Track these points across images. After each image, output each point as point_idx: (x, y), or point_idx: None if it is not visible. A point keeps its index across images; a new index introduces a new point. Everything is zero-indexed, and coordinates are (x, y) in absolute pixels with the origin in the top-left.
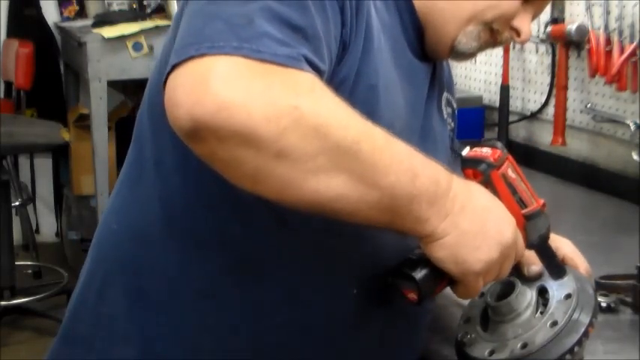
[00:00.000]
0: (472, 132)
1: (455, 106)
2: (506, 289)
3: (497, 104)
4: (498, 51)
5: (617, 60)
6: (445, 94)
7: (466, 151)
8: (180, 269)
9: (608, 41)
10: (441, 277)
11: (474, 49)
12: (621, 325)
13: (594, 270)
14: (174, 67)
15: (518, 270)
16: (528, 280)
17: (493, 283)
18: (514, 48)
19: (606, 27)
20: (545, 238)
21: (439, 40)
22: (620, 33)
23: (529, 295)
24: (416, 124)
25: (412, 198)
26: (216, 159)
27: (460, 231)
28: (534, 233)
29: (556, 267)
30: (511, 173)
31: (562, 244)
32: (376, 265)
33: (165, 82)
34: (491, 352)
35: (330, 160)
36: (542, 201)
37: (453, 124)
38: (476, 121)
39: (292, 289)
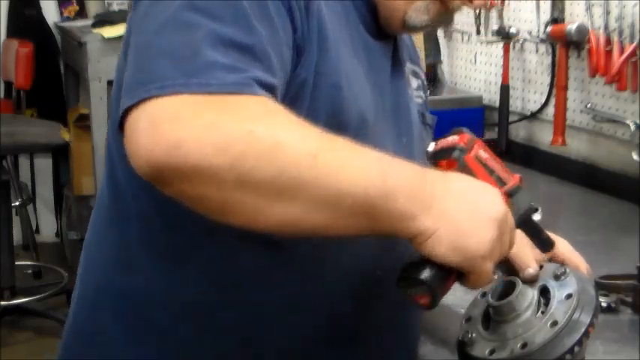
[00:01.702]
0: (472, 132)
1: (423, 76)
2: (507, 289)
3: (497, 104)
4: (498, 51)
5: (617, 60)
6: (409, 66)
7: (432, 146)
8: (166, 290)
9: (608, 41)
10: (447, 272)
11: (427, 22)
12: (621, 325)
13: (594, 270)
14: (128, 109)
15: (514, 274)
16: (525, 283)
17: (494, 283)
18: (514, 48)
19: (606, 27)
20: (529, 212)
21: (390, 16)
22: (620, 33)
23: (530, 294)
24: (386, 105)
25: (387, 197)
26: (184, 198)
27: (451, 220)
28: (519, 208)
29: (544, 240)
30: (483, 154)
31: (559, 244)
32: (369, 268)
33: (121, 122)
34: (492, 352)
35: (292, 178)
36: (518, 176)
37: (423, 96)
38: (476, 121)
39: (285, 301)
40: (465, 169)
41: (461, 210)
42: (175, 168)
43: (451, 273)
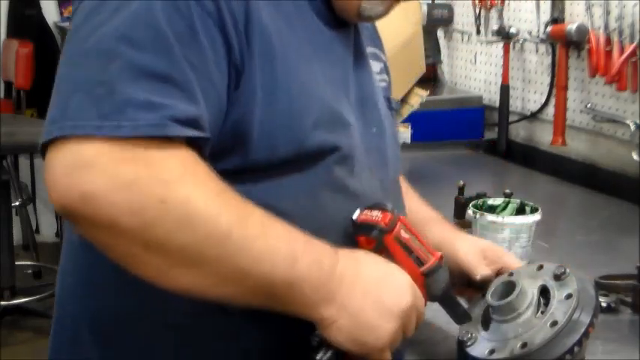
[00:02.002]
0: (472, 132)
1: (384, 58)
2: (507, 289)
3: (497, 104)
4: (498, 51)
5: (617, 60)
6: (371, 50)
7: (357, 215)
8: (140, 311)
9: (608, 41)
10: (344, 356)
11: (382, 12)
12: (621, 325)
13: (594, 270)
14: (46, 145)
15: (469, 281)
16: (482, 287)
17: (494, 283)
18: (514, 48)
19: (606, 27)
20: (447, 289)
21: (345, 8)
22: (620, 33)
23: (530, 294)
24: (351, 97)
25: (291, 284)
26: (93, 241)
27: (353, 312)
28: (436, 287)
29: (460, 315)
30: (404, 234)
31: (466, 252)
32: None
33: (42, 151)
34: (492, 352)
35: (200, 252)
36: (439, 254)
37: (387, 78)
38: (476, 121)
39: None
40: (383, 250)
41: (364, 304)
42: (85, 216)
43: (349, 356)
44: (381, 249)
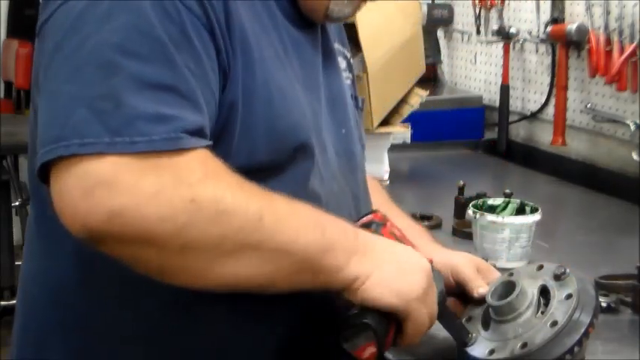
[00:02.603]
0: (472, 132)
1: (348, 54)
2: (507, 289)
3: (497, 104)
4: (498, 51)
5: (617, 60)
6: (336, 47)
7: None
8: (107, 323)
9: (608, 41)
10: (387, 321)
11: (350, 13)
12: (621, 325)
13: (594, 270)
14: (49, 163)
15: (466, 295)
16: (478, 304)
17: (494, 283)
18: (514, 48)
19: (606, 27)
20: (443, 296)
21: (312, 9)
22: (620, 33)
23: (530, 294)
24: (322, 99)
25: (325, 251)
26: (120, 257)
27: (382, 266)
28: (436, 285)
29: (459, 328)
30: (397, 232)
31: (462, 265)
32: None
33: (41, 169)
34: (492, 352)
35: (236, 242)
36: (429, 258)
37: (351, 75)
38: (476, 121)
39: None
40: None
41: (390, 261)
42: (114, 234)
43: (390, 321)
44: None
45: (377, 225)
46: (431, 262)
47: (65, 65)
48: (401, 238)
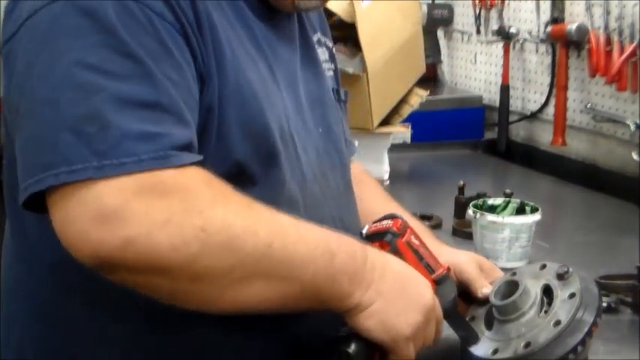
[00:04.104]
0: (472, 132)
1: (330, 44)
2: (510, 289)
3: (497, 104)
4: (498, 51)
5: (617, 60)
6: (317, 37)
7: (366, 229)
8: (92, 339)
9: (608, 41)
10: (372, 350)
11: (319, 5)
12: (621, 325)
13: (594, 270)
14: (41, 192)
15: (469, 295)
16: (481, 303)
17: (497, 282)
18: (514, 48)
19: (606, 27)
20: (455, 303)
21: (278, 3)
22: (620, 33)
23: (533, 294)
24: (299, 97)
25: (333, 279)
26: (131, 285)
27: (384, 298)
28: (446, 297)
29: (468, 331)
30: (414, 240)
31: (465, 265)
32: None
33: (32, 196)
34: (495, 351)
35: (246, 270)
36: (446, 265)
37: (333, 66)
38: (476, 121)
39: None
40: (396, 254)
41: (395, 291)
42: (128, 264)
43: (375, 350)
44: (394, 253)
45: (392, 235)
46: (447, 269)
47: (41, 87)
48: (418, 248)
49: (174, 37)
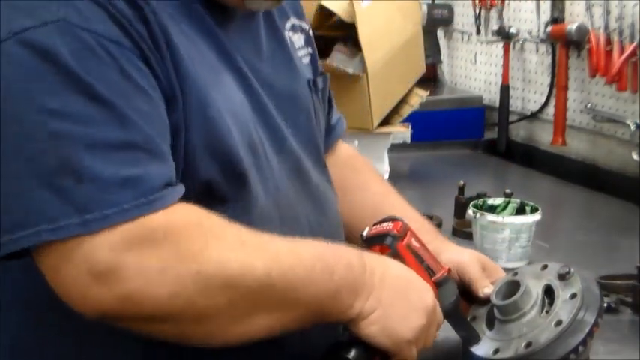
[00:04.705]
0: (472, 132)
1: (306, 26)
2: (511, 289)
3: (497, 104)
4: (498, 51)
5: (617, 60)
6: (290, 23)
7: (366, 232)
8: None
9: (608, 41)
10: (373, 354)
11: (269, 6)
12: (621, 325)
13: (594, 270)
14: (28, 248)
15: (471, 294)
16: (482, 303)
17: (498, 282)
18: (514, 48)
19: (606, 27)
20: (457, 303)
21: (231, 2)
22: (620, 33)
23: (535, 294)
24: (264, 99)
25: (334, 294)
26: (136, 331)
27: (385, 304)
28: (447, 299)
29: (469, 331)
30: (415, 243)
31: (468, 264)
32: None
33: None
34: (496, 351)
35: (248, 304)
36: (447, 267)
37: (310, 50)
38: (476, 121)
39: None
40: (397, 256)
41: (396, 296)
42: (130, 316)
43: (376, 355)
44: (394, 257)
45: (393, 238)
46: (448, 271)
47: (6, 138)
48: (418, 251)
49: (136, 64)
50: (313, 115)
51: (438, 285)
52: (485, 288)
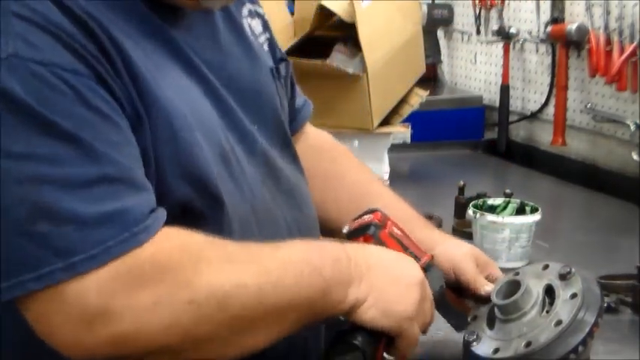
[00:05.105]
0: (472, 132)
1: (261, 10)
2: (512, 288)
3: (497, 104)
4: (498, 51)
5: (617, 60)
6: (247, 9)
7: (347, 228)
8: None
9: (608, 41)
10: (377, 338)
11: (224, 3)
12: (621, 325)
13: (594, 270)
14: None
15: (473, 294)
16: (483, 302)
17: (499, 282)
18: (514, 48)
19: (606, 27)
20: (443, 290)
21: (184, 2)
22: (620, 33)
23: (535, 294)
24: (228, 101)
25: (326, 293)
26: None
27: (377, 287)
28: (434, 284)
29: (457, 317)
30: (397, 231)
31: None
32: None
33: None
34: (496, 351)
35: (244, 321)
36: (430, 254)
37: (268, 35)
38: (476, 121)
39: None
40: (381, 244)
41: (384, 279)
42: (126, 354)
43: (380, 339)
44: (379, 245)
45: (375, 227)
46: (431, 258)
47: None
48: (401, 238)
49: (96, 91)
50: (279, 106)
51: (425, 270)
52: (486, 286)
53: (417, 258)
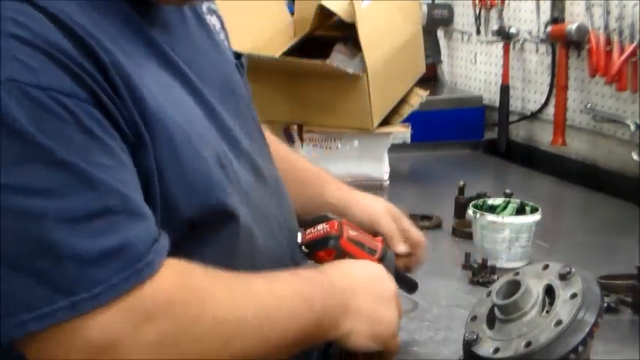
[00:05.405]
0: (472, 132)
1: (215, 7)
2: (512, 288)
3: (497, 104)
4: (498, 51)
5: (617, 60)
6: (206, 5)
7: (301, 238)
8: None
9: (608, 41)
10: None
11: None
12: (621, 325)
13: (594, 270)
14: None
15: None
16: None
17: (499, 282)
18: (514, 48)
19: (606, 27)
20: (396, 267)
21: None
22: (620, 33)
23: (535, 294)
24: (213, 103)
25: (317, 324)
26: None
27: (365, 314)
28: (390, 268)
29: (411, 285)
30: (352, 232)
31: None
32: None
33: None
34: (496, 351)
35: (245, 353)
36: (379, 238)
37: (225, 32)
38: (476, 121)
39: None
40: (343, 254)
41: (369, 300)
42: None
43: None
44: (341, 254)
45: (334, 239)
46: (382, 242)
47: None
48: (357, 239)
49: (94, 116)
50: (250, 101)
51: (381, 260)
52: (401, 246)
53: (372, 250)
